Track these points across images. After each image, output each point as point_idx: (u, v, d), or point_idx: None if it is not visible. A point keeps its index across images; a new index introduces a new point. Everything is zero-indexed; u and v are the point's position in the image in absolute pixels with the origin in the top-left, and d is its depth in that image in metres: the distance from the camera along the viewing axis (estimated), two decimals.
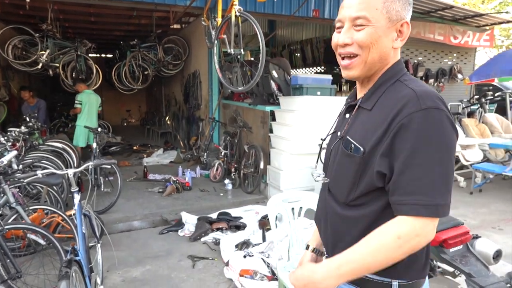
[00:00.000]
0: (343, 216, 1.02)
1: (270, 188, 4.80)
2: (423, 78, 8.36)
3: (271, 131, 4.95)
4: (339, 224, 1.04)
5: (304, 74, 6.65)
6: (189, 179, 5.23)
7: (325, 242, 1.13)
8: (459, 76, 8.58)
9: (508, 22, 9.50)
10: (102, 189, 4.61)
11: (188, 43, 7.85)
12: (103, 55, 13.04)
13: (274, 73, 5.18)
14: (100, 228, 2.66)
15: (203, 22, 4.56)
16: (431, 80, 8.44)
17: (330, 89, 4.97)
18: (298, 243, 2.44)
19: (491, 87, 8.62)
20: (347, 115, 1.08)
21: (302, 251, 2.42)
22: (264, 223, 3.62)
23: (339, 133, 1.07)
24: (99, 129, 4.79)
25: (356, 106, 1.03)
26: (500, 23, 8.73)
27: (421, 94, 0.89)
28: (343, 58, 1.00)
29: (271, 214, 2.31)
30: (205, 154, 6.29)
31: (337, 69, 11.71)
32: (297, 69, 11.45)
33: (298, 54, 11.03)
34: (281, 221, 3.57)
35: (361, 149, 0.95)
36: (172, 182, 5.06)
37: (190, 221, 3.90)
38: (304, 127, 4.41)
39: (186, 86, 8.01)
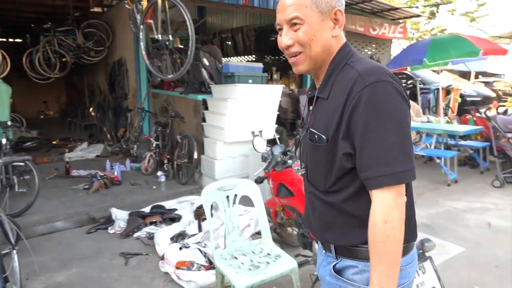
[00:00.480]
0: (328, 202, 1.05)
1: (205, 177, 4.75)
2: None
3: (204, 120, 4.87)
4: (326, 210, 1.07)
5: (235, 62, 6.65)
6: (118, 173, 4.95)
7: (314, 228, 1.15)
8: None
9: (418, 16, 10.52)
10: (17, 190, 4.13)
11: (111, 28, 7.31)
12: (11, 40, 11.58)
13: (205, 61, 5.09)
14: (15, 233, 2.39)
15: (126, 5, 4.28)
16: None
17: (261, 77, 5.03)
18: (234, 230, 2.46)
19: (404, 75, 9.51)
20: (311, 108, 1.11)
21: (238, 238, 2.45)
22: (199, 213, 3.57)
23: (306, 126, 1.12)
24: (9, 123, 4.26)
25: (315, 97, 1.07)
26: (411, 17, 9.62)
27: (363, 72, 0.94)
28: (290, 57, 1.05)
29: (206, 204, 2.29)
30: (135, 146, 5.99)
31: (268, 57, 11.93)
32: (229, 58, 11.40)
33: (229, 42, 10.98)
34: (217, 210, 3.56)
35: (324, 137, 0.99)
36: (99, 178, 4.74)
37: (121, 217, 3.70)
38: (237, 115, 4.42)
39: (111, 74, 7.48)
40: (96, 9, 8.09)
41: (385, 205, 0.90)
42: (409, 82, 8.92)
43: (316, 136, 1.02)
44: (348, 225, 1.03)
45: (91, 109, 9.39)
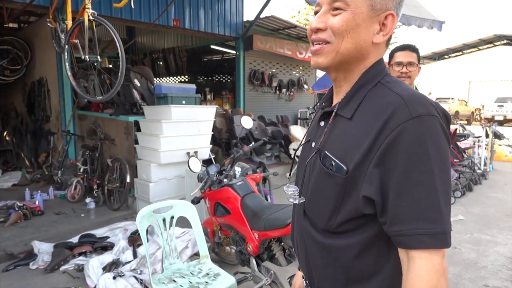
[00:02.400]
0: (324, 245, 0.86)
1: (139, 201, 4.58)
2: (277, 87, 9.36)
3: (136, 142, 4.74)
4: (319, 253, 0.88)
5: (168, 83, 6.59)
6: (40, 202, 4.53)
7: (303, 269, 0.98)
8: (305, 86, 9.93)
9: None
10: None
11: (30, 46, 6.80)
12: None
13: (136, 82, 4.99)
14: None
15: (49, 24, 4.06)
16: (284, 90, 9.51)
17: (195, 98, 5.08)
18: (172, 253, 2.43)
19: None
20: (322, 123, 0.92)
21: (176, 261, 2.42)
22: (134, 239, 3.44)
23: (313, 144, 0.92)
24: None
25: (333, 113, 0.87)
26: None
27: (409, 99, 0.75)
28: (314, 44, 0.86)
29: (142, 228, 2.24)
30: (60, 172, 5.55)
31: (201, 78, 12.01)
32: (161, 78, 11.25)
33: (161, 63, 10.86)
34: (153, 234, 3.47)
35: (344, 168, 0.79)
36: (17, 208, 4.29)
37: (44, 250, 3.40)
38: (171, 136, 4.39)
39: (30, 95, 6.90)
40: (11, 25, 7.49)
41: (433, 272, 0.70)
42: None
43: (333, 163, 0.81)
44: (348, 278, 0.84)
45: (5, 133, 8.49)
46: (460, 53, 26.71)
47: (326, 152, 0.84)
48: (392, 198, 0.73)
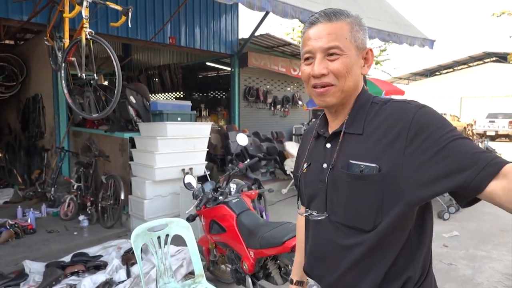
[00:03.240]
0: (372, 245, 0.92)
1: (133, 219, 4.54)
2: (272, 104, 9.44)
3: (131, 159, 4.72)
4: (364, 256, 0.94)
5: (163, 100, 6.63)
6: (32, 220, 4.47)
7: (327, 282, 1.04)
8: (300, 102, 10.02)
9: None
10: None
11: (26, 63, 6.83)
12: None
13: (132, 99, 5.02)
14: None
15: (46, 42, 4.09)
16: (279, 106, 9.59)
17: (190, 115, 5.11)
18: (167, 272, 2.40)
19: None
20: (329, 145, 1.02)
21: (171, 280, 2.39)
22: (128, 258, 3.39)
23: (325, 165, 1.01)
24: None
25: (342, 133, 0.99)
26: None
27: (403, 102, 0.93)
28: (315, 87, 0.99)
29: (136, 246, 2.21)
30: (53, 189, 5.49)
31: (196, 94, 12.09)
32: (156, 94, 11.31)
33: (157, 79, 10.93)
34: (147, 253, 3.42)
35: (375, 165, 0.89)
36: (8, 227, 4.22)
37: (35, 269, 3.33)
38: (166, 153, 4.39)
39: (25, 111, 6.89)
40: (8, 42, 7.54)
41: None
42: None
43: (362, 167, 0.91)
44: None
45: None
46: (451, 69, 27.25)
47: (350, 161, 0.94)
48: (445, 160, 0.80)
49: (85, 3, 2.87)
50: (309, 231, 1.13)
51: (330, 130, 1.05)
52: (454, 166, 0.79)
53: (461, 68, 26.64)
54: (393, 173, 0.87)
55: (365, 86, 1.04)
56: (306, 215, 1.07)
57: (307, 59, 0.99)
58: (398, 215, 0.88)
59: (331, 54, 0.95)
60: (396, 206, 0.88)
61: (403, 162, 0.85)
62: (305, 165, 1.10)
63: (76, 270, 3.30)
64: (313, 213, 1.04)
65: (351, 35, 0.95)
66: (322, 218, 1.01)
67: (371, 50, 1.01)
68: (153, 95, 11.10)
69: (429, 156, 0.82)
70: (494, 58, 24.94)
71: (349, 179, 0.94)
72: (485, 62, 25.59)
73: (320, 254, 1.05)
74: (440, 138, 0.82)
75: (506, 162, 0.76)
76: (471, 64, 26.22)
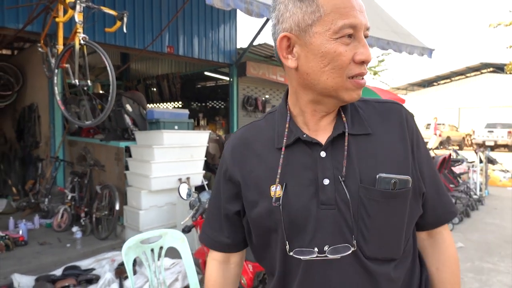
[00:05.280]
0: (394, 278, 0.76)
1: (128, 230, 4.41)
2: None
3: (127, 168, 4.61)
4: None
5: (160, 109, 6.56)
6: (24, 231, 4.33)
7: None
8: None
9: None
10: None
11: (22, 72, 6.76)
12: None
13: (128, 107, 4.93)
14: None
15: (40, 49, 4.03)
16: None
17: (187, 123, 5.02)
18: (160, 287, 2.27)
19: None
20: (323, 154, 0.76)
21: None
22: (121, 271, 3.25)
23: (326, 181, 0.74)
24: None
25: (346, 135, 0.76)
26: None
27: (392, 100, 0.86)
28: (358, 76, 0.73)
29: (127, 259, 2.10)
30: (46, 199, 5.36)
31: (195, 104, 12.04)
32: (155, 104, 11.27)
33: (155, 89, 10.90)
34: (141, 266, 3.29)
35: (408, 178, 0.74)
36: None
37: (25, 283, 3.19)
38: (162, 162, 4.28)
39: (20, 121, 6.80)
40: (4, 52, 7.50)
41: (451, 238, 0.88)
42: None
43: (395, 181, 0.72)
44: None
45: None
46: (449, 80, 27.39)
47: (380, 175, 0.73)
48: (431, 184, 0.82)
49: (78, 8, 2.81)
50: (293, 281, 0.78)
51: (317, 134, 0.78)
52: (433, 193, 0.84)
53: (459, 79, 26.78)
54: (416, 181, 0.79)
55: None
56: (308, 258, 0.72)
57: (346, 36, 0.69)
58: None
59: (365, 37, 0.72)
60: (413, 218, 0.82)
61: (415, 168, 0.79)
62: (277, 188, 0.76)
63: (67, 284, 3.16)
64: (325, 248, 0.72)
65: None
66: (347, 254, 0.71)
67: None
68: (151, 105, 11.04)
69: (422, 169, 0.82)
70: (491, 69, 25.11)
71: (379, 198, 0.72)
72: (482, 73, 25.75)
73: None
74: (426, 153, 0.84)
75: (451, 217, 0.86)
76: (468, 75, 26.37)
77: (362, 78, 0.73)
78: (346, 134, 0.75)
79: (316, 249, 0.73)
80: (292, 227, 0.75)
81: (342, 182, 0.73)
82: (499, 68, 23.74)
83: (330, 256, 0.72)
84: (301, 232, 0.75)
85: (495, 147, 18.22)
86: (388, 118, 0.79)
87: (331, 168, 0.74)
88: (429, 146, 7.87)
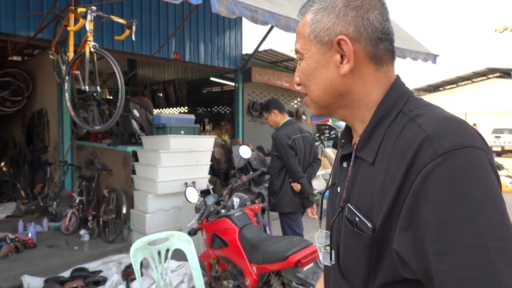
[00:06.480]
0: None
1: (135, 233, 4.47)
2: None
3: (134, 173, 4.70)
4: None
5: (167, 114, 6.66)
6: (33, 234, 4.42)
7: None
8: (303, 117, 10.01)
9: None
10: None
11: (32, 78, 6.91)
12: None
13: (135, 112, 5.03)
14: None
15: (51, 56, 4.14)
16: None
17: (193, 128, 5.10)
18: None
19: (327, 126, 10.35)
20: (345, 164, 0.78)
21: None
22: (128, 273, 3.32)
23: (338, 189, 0.78)
24: None
25: (353, 156, 0.73)
26: None
27: (433, 131, 0.59)
28: None
29: (135, 261, 2.16)
30: (55, 203, 5.46)
31: (200, 109, 12.14)
32: (161, 109, 11.38)
33: (161, 94, 11.02)
34: (148, 268, 3.35)
35: (369, 225, 0.65)
36: (9, 241, 4.17)
37: (34, 285, 3.27)
38: (168, 166, 4.35)
39: (29, 126, 6.93)
40: (15, 58, 7.66)
41: None
42: (332, 132, 9.71)
43: (357, 219, 0.68)
44: None
45: (2, 164, 8.45)
46: (455, 85, 27.27)
47: (349, 205, 0.71)
48: (431, 262, 0.55)
49: (89, 17, 2.91)
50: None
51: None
52: (434, 274, 0.55)
53: (465, 84, 26.66)
54: (385, 232, 0.63)
55: (399, 80, 0.75)
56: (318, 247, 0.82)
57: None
58: (389, 281, 0.65)
59: (300, 59, 0.77)
60: (389, 274, 0.65)
61: (395, 220, 0.61)
62: (329, 182, 0.86)
63: (75, 285, 3.23)
64: (320, 244, 0.81)
65: (310, 30, 0.73)
66: (326, 264, 0.78)
67: (342, 39, 0.69)
68: (157, 110, 11.16)
69: (417, 234, 0.57)
70: (498, 74, 24.97)
71: (345, 226, 0.72)
72: (488, 78, 25.61)
73: None
74: (443, 218, 0.54)
75: None
76: (475, 80, 26.24)
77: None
78: (353, 156, 0.73)
79: (325, 249, 0.81)
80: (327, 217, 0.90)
81: (341, 202, 0.75)
82: (506, 73, 23.61)
83: (324, 262, 0.80)
84: (327, 223, 0.88)
85: (502, 152, 18.08)
86: (399, 151, 0.63)
87: (343, 180, 0.77)
88: None
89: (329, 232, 0.80)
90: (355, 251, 0.69)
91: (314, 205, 3.47)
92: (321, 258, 0.81)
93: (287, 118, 3.47)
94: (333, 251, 0.78)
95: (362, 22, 0.69)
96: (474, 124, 17.25)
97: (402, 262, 0.60)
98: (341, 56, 0.71)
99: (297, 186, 3.27)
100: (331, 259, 0.77)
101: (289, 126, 3.40)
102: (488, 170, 0.56)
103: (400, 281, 0.63)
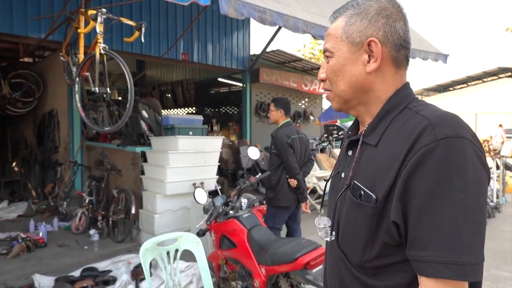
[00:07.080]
0: (364, 284, 0.80)
1: (144, 233, 4.50)
2: None
3: (142, 173, 4.73)
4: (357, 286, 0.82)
5: (175, 115, 6.69)
6: (44, 233, 4.48)
7: None
8: (311, 117, 9.98)
9: None
10: None
11: (43, 79, 7.01)
12: None
13: (144, 113, 5.06)
14: None
15: (61, 58, 4.19)
16: None
17: (201, 129, 5.11)
18: None
19: (335, 127, 10.29)
20: (350, 152, 0.91)
21: None
22: (137, 273, 3.34)
23: (343, 175, 0.90)
24: None
25: (360, 142, 0.86)
26: None
27: (435, 120, 0.72)
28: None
29: (145, 261, 2.17)
30: (65, 203, 5.52)
31: (208, 109, 12.18)
32: (169, 110, 11.44)
33: (169, 95, 11.07)
34: (156, 268, 3.37)
35: (373, 196, 0.76)
36: (20, 240, 4.23)
37: (45, 284, 3.31)
38: (177, 167, 4.37)
39: (40, 126, 7.03)
40: (26, 59, 7.77)
41: None
42: (340, 133, 9.66)
43: (361, 192, 0.79)
44: None
45: (14, 164, 8.58)
46: (465, 85, 26.90)
47: (355, 181, 0.82)
48: (412, 222, 0.70)
49: (99, 19, 2.94)
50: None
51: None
52: (412, 229, 0.71)
53: (475, 84, 26.28)
54: (386, 203, 0.75)
55: (408, 85, 0.88)
56: (319, 232, 0.93)
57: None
58: (383, 250, 0.77)
59: (327, 57, 0.88)
60: (385, 243, 0.77)
61: (394, 192, 0.73)
62: (333, 172, 0.98)
63: (85, 285, 3.27)
64: (324, 228, 0.91)
65: (343, 32, 0.84)
66: (326, 239, 0.91)
67: (373, 41, 0.81)
68: (165, 110, 11.23)
69: (407, 199, 0.71)
70: (509, 74, 24.58)
71: (350, 201, 0.83)
72: (499, 78, 25.21)
73: (332, 274, 0.92)
74: (432, 186, 0.68)
75: (449, 275, 0.66)
76: (485, 80, 25.86)
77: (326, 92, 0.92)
78: (360, 141, 0.86)
79: (327, 226, 0.92)
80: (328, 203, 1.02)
81: (346, 181, 0.86)
82: None
83: (323, 236, 0.92)
84: (329, 209, 0.99)
85: None
86: (402, 135, 0.75)
87: (348, 166, 0.89)
88: (504, 153, 7.83)
89: (332, 208, 0.91)
90: (357, 222, 0.80)
91: (308, 200, 3.69)
92: (320, 235, 0.93)
93: (287, 120, 3.72)
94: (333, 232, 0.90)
95: (390, 29, 0.82)
96: (500, 125, 17.11)
97: (395, 226, 0.73)
98: (368, 56, 0.83)
99: (293, 182, 3.45)
100: (331, 234, 0.89)
101: (288, 127, 3.64)
102: (474, 160, 0.69)
103: (394, 254, 0.75)
